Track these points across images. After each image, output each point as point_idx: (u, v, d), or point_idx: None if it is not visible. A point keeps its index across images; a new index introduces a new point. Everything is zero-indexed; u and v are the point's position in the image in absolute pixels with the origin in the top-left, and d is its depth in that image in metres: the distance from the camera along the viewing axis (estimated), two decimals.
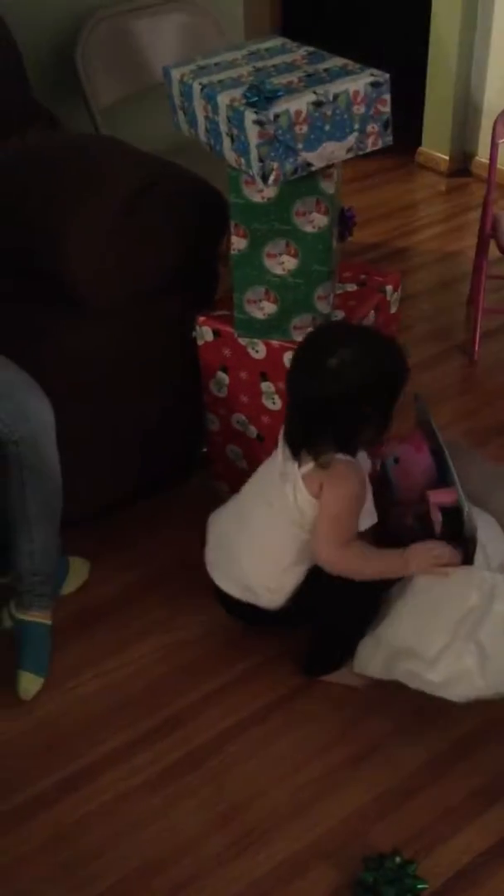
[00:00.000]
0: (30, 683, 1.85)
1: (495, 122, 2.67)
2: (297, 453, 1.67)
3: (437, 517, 1.71)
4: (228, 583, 1.80)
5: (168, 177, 2.00)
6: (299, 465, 1.65)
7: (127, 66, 2.71)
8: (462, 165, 3.97)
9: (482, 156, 3.90)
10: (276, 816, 1.65)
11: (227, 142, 1.71)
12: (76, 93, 2.65)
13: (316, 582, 1.72)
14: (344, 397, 1.59)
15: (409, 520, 1.80)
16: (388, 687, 1.82)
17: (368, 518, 1.71)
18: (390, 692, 1.81)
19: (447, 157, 3.95)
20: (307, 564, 1.73)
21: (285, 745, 1.76)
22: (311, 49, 1.83)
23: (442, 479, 1.80)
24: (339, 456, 1.63)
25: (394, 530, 1.85)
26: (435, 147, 3.98)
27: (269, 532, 1.73)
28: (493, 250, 2.75)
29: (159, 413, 2.13)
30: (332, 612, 1.75)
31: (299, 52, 1.83)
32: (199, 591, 2.02)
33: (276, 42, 1.91)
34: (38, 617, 1.89)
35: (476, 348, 2.82)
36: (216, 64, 1.84)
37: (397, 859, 1.54)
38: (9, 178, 2.04)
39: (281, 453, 1.72)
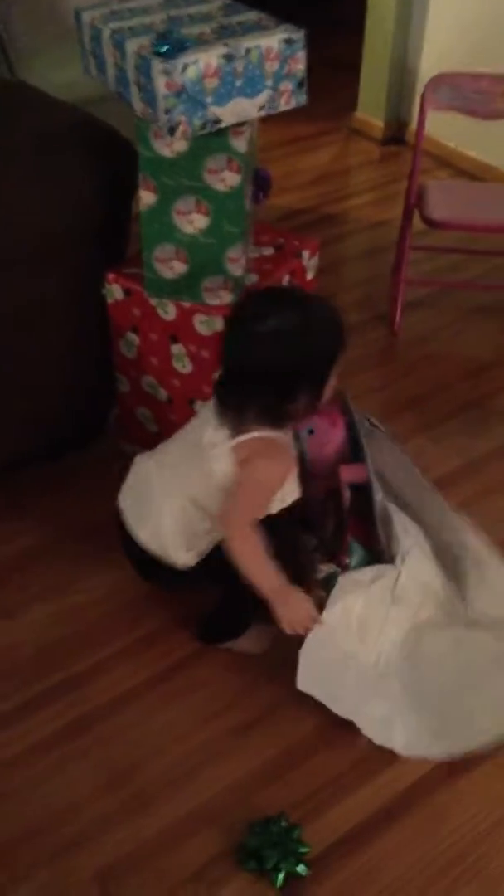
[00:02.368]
0: None
1: (424, 90, 2.63)
2: (226, 422, 1.61)
3: (346, 493, 1.70)
4: (141, 530, 1.74)
5: (79, 126, 1.93)
6: (230, 436, 1.60)
7: (46, 12, 2.59)
8: (397, 133, 3.95)
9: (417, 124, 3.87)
10: (164, 780, 1.64)
11: (134, 91, 1.65)
12: None
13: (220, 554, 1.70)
14: (279, 366, 1.53)
15: (321, 492, 1.79)
16: (282, 654, 1.83)
17: (291, 494, 1.68)
18: (284, 660, 1.81)
19: (382, 124, 3.91)
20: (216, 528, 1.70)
21: (177, 711, 1.75)
22: (229, 1, 1.77)
23: (354, 455, 1.80)
24: (265, 432, 1.58)
25: (305, 500, 1.84)
26: (370, 113, 3.94)
27: (191, 496, 1.68)
28: (418, 221, 2.74)
29: (66, 371, 2.07)
30: (238, 577, 1.73)
31: (216, 3, 1.77)
32: (100, 555, 2.00)
33: None
34: None
35: (397, 319, 2.81)
36: (130, 9, 1.77)
37: (283, 823, 1.55)
38: None
39: (209, 419, 1.66)
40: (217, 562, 1.70)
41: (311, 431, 1.82)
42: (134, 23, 1.69)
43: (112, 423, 2.32)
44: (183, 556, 1.70)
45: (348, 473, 1.75)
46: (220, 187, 1.75)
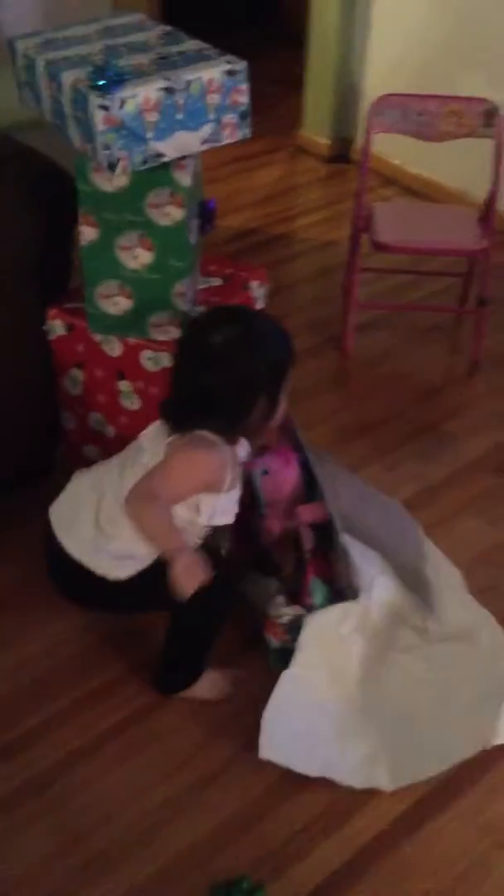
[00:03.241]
0: None
1: (368, 113, 2.61)
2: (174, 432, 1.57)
3: (307, 533, 1.66)
4: (66, 537, 1.65)
5: (13, 157, 1.85)
6: (167, 436, 1.57)
7: None
8: (342, 151, 3.93)
9: (362, 142, 3.86)
10: (121, 844, 1.56)
11: (72, 125, 1.59)
12: None
13: (156, 572, 1.57)
14: (229, 384, 1.52)
15: (277, 530, 1.74)
16: (243, 700, 1.77)
17: (222, 516, 1.62)
18: (245, 707, 1.76)
19: (328, 142, 3.89)
20: None
21: (132, 769, 1.67)
22: (168, 28, 1.72)
23: (309, 492, 1.75)
24: (201, 432, 1.54)
25: (262, 543, 1.80)
26: (315, 131, 3.92)
27: (118, 495, 1.58)
28: (364, 242, 2.71)
29: (8, 409, 1.99)
30: (172, 608, 1.62)
31: (155, 31, 1.71)
32: (49, 602, 1.91)
33: (134, 18, 1.79)
34: None
35: (348, 343, 2.77)
36: (65, 38, 1.70)
37: (244, 885, 1.49)
38: None
39: (149, 431, 1.63)
40: (155, 588, 1.58)
41: (265, 472, 1.76)
42: (70, 53, 1.63)
43: (59, 462, 2.24)
44: (111, 563, 1.61)
45: (308, 513, 1.71)
46: (163, 222, 1.69)
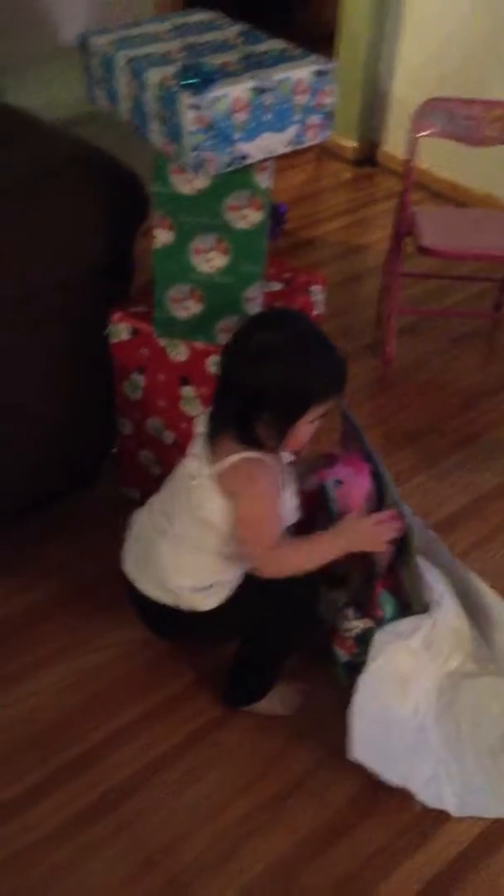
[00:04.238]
0: None
1: (415, 116, 2.58)
2: (210, 436, 1.52)
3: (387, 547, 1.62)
4: (146, 583, 1.62)
5: (80, 159, 1.81)
6: (210, 463, 1.50)
7: (28, 28, 2.46)
8: (369, 154, 3.90)
9: (389, 146, 3.84)
10: (201, 863, 1.52)
11: (154, 125, 1.55)
12: None
13: (245, 594, 1.59)
14: (244, 380, 1.43)
15: None
16: (312, 715, 1.74)
17: (291, 515, 1.59)
18: (315, 721, 1.72)
19: (354, 145, 3.86)
20: (232, 565, 1.58)
21: (206, 784, 1.63)
22: (245, 27, 1.68)
23: (380, 504, 1.72)
24: (246, 454, 1.47)
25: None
26: (342, 134, 3.89)
27: (186, 532, 1.57)
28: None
29: (64, 414, 1.95)
30: (259, 629, 1.63)
31: (231, 30, 1.67)
32: (112, 610, 1.88)
33: (206, 16, 1.75)
34: None
35: (389, 349, 2.75)
36: (139, 36, 1.66)
37: None
38: None
39: (194, 448, 1.57)
40: (233, 612, 1.61)
41: (338, 482, 1.73)
42: (149, 50, 1.59)
43: (110, 467, 2.19)
44: (192, 597, 1.58)
45: None
46: (241, 225, 1.66)
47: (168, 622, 1.65)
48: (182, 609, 1.58)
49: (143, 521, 1.67)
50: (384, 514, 1.61)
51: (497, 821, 1.60)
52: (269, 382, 1.42)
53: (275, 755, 1.68)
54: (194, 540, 1.55)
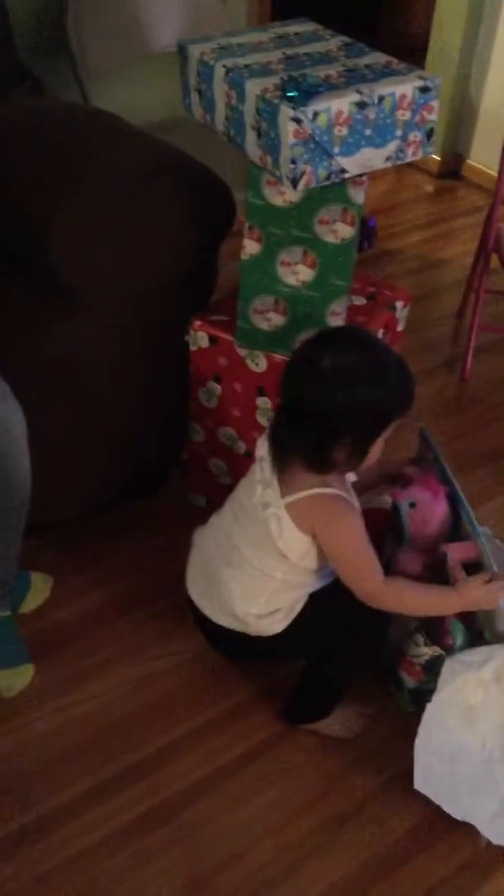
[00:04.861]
0: (6, 680, 1.75)
1: None
2: (274, 470, 1.49)
3: (459, 574, 1.58)
4: (214, 610, 1.63)
5: (173, 167, 1.80)
6: (280, 493, 1.47)
7: (119, 33, 2.47)
8: (453, 168, 3.84)
9: (474, 159, 3.78)
10: (253, 884, 1.50)
11: (251, 136, 1.53)
12: (62, 58, 2.42)
13: (313, 615, 1.57)
14: (322, 406, 1.39)
15: (419, 567, 1.66)
16: (374, 740, 1.71)
17: None
18: (378, 746, 1.69)
19: (438, 158, 3.81)
20: (297, 589, 1.57)
21: (264, 801, 1.62)
22: (347, 39, 1.66)
23: (455, 527, 1.68)
24: (322, 490, 1.45)
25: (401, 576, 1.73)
26: None
27: (253, 560, 1.55)
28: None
29: (139, 418, 1.95)
30: (328, 648, 1.61)
31: (334, 42, 1.65)
32: (173, 617, 1.87)
33: (307, 27, 1.74)
34: None
35: (468, 366, 2.70)
36: (239, 45, 1.65)
37: None
38: None
39: (259, 474, 1.54)
40: (303, 631, 1.59)
41: (412, 504, 1.69)
42: (248, 61, 1.58)
43: (176, 473, 2.19)
44: (260, 623, 1.58)
45: (459, 552, 1.63)
46: (330, 239, 1.63)
47: (236, 645, 1.65)
48: (251, 634, 1.58)
49: (208, 547, 1.66)
50: (500, 574, 1.54)
51: None
52: (351, 406, 1.39)
53: (336, 776, 1.66)
54: (264, 569, 1.54)
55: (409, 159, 1.56)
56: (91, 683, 1.78)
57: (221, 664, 1.81)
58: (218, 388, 1.93)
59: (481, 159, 3.73)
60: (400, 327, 2.03)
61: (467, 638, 1.67)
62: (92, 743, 1.68)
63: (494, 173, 3.57)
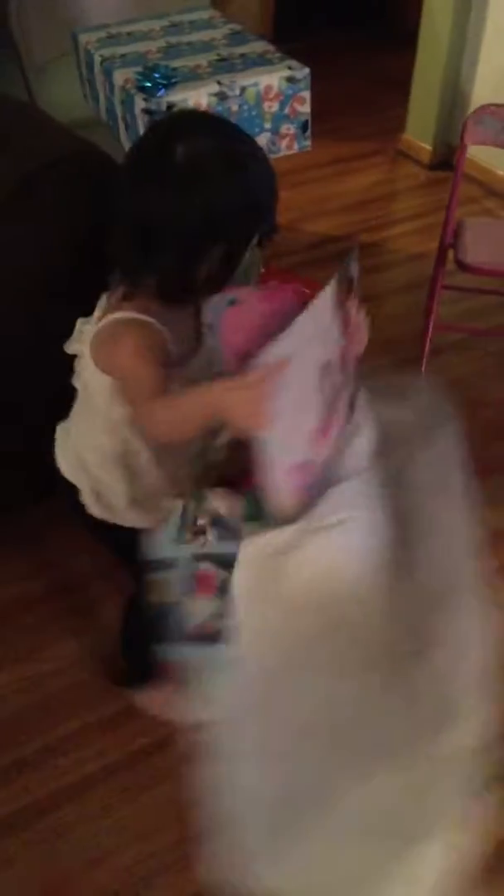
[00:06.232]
0: None
1: (465, 123, 2.43)
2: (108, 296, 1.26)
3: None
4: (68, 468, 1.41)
5: (75, 152, 1.77)
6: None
7: (65, 21, 2.44)
8: (445, 158, 3.73)
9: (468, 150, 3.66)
10: (108, 893, 1.48)
11: (121, 126, 1.49)
12: (5, 52, 2.40)
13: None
14: (183, 215, 1.12)
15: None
16: None
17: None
18: None
19: (430, 148, 3.70)
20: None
21: (134, 808, 1.59)
22: (237, 27, 1.61)
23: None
24: (121, 315, 1.21)
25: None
26: (418, 136, 3.73)
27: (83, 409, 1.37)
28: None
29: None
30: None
31: (221, 30, 1.60)
32: (68, 619, 1.85)
33: (204, 14, 1.68)
34: None
35: (422, 367, 2.61)
36: (129, 33, 1.61)
37: None
38: None
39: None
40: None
41: (232, 302, 1.20)
42: (128, 50, 1.54)
43: None
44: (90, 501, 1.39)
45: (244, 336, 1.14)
46: None
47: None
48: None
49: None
50: (270, 367, 1.07)
51: None
52: (212, 210, 1.11)
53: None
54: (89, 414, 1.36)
55: (283, 153, 1.50)
56: None
57: (99, 673, 1.78)
58: None
59: (474, 150, 3.60)
60: None
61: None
62: None
63: (486, 164, 3.47)
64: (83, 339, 1.28)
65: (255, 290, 1.23)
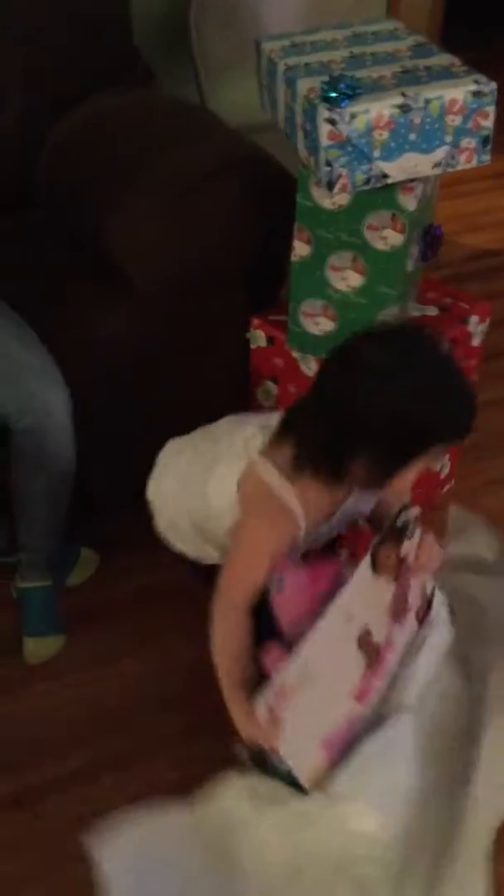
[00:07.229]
0: (34, 646, 1.81)
1: None
2: (276, 438, 1.32)
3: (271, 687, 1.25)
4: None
5: (244, 159, 1.80)
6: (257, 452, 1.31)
7: (243, 26, 2.48)
8: None
9: None
10: None
11: (300, 136, 1.51)
12: (183, 48, 2.46)
13: None
14: (352, 402, 1.18)
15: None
16: None
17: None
18: None
19: None
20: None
21: None
22: (422, 39, 1.59)
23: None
24: (280, 489, 1.26)
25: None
26: None
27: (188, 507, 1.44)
28: None
29: (196, 410, 1.96)
30: None
31: (405, 42, 1.59)
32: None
33: (388, 25, 1.68)
34: (33, 581, 1.82)
35: None
36: (312, 42, 1.63)
37: None
38: (75, 143, 1.90)
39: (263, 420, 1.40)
40: None
41: (280, 581, 1.30)
42: (312, 59, 1.55)
43: None
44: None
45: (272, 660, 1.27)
46: (380, 246, 1.58)
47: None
48: None
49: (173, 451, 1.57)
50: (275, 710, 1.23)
51: None
52: (385, 413, 1.16)
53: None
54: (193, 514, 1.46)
55: (461, 167, 1.48)
56: (108, 665, 1.82)
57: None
58: (275, 388, 1.92)
59: None
60: (475, 342, 1.92)
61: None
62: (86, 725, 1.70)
63: None
64: (248, 448, 1.33)
65: (303, 568, 1.32)
